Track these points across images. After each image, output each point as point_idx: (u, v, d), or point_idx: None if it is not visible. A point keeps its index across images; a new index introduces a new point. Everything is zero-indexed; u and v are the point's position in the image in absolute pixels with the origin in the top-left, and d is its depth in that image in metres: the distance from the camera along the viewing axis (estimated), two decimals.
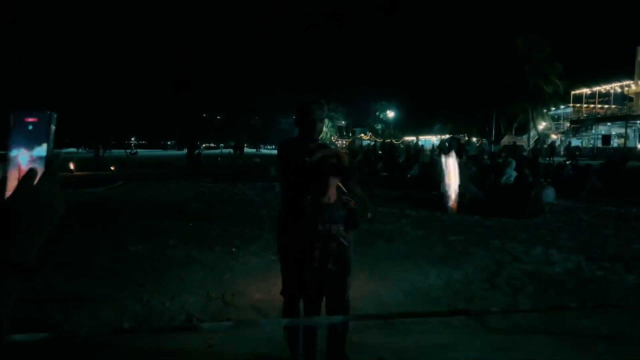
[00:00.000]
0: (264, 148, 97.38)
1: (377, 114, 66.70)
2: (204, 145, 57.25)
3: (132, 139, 66.32)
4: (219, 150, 53.75)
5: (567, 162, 17.18)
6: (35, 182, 0.88)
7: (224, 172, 22.22)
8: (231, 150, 43.93)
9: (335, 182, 3.09)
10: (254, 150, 79.47)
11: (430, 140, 54.61)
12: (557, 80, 44.93)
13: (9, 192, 0.90)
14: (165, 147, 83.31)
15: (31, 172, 0.89)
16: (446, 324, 4.29)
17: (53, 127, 0.95)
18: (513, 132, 47.09)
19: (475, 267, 6.07)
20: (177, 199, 12.78)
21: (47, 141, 0.93)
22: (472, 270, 5.93)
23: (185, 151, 36.39)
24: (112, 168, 24.23)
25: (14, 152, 0.93)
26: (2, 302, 0.85)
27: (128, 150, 44.64)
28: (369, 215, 3.22)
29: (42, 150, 0.93)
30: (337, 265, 3.05)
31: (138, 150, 59.15)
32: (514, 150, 21.68)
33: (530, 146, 35.86)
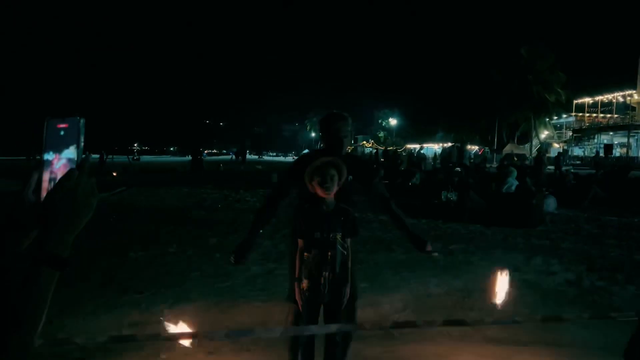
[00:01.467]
0: (267, 155, 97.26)
1: (380, 121, 66.78)
2: (206, 151, 57.28)
3: (135, 145, 66.49)
4: (229, 156, 53.47)
5: (600, 172, 17.14)
6: (72, 182, 0.97)
7: (226, 179, 22.24)
8: (233, 157, 43.93)
9: (334, 189, 3.06)
10: (257, 156, 79.44)
11: (433, 148, 54.52)
12: (559, 89, 44.92)
13: (43, 191, 1.00)
14: (168, 153, 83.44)
15: (70, 173, 0.97)
16: (445, 334, 4.28)
17: (82, 131, 1.01)
18: (515, 141, 47.02)
19: (475, 276, 6.05)
20: (179, 205, 12.79)
21: (77, 144, 1.00)
22: (472, 279, 5.91)
23: (187, 157, 36.41)
24: (114, 174, 24.24)
25: (47, 156, 1.02)
26: (47, 289, 0.93)
27: (131, 156, 44.69)
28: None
29: (72, 153, 1.00)
30: (334, 274, 3.02)
31: (140, 156, 59.14)
32: (522, 157, 21.53)
33: (533, 154, 35.81)
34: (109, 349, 3.77)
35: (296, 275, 3.06)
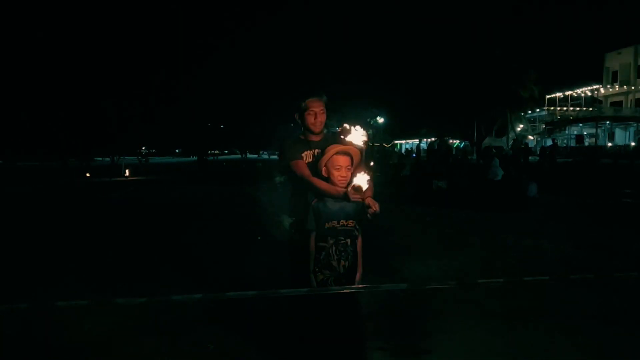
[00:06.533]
0: (264, 153, 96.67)
1: (368, 120, 66.77)
2: (209, 151, 56.96)
3: (143, 147, 65.98)
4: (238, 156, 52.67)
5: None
6: None
7: (230, 176, 22.13)
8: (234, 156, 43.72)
9: (348, 175, 2.89)
10: (256, 155, 79.11)
11: (414, 142, 54.70)
12: (533, 86, 44.99)
13: None
14: (172, 155, 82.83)
15: None
16: (448, 310, 4.20)
17: None
18: (493, 135, 47.07)
19: (471, 257, 5.99)
20: (190, 201, 12.67)
21: None
22: (469, 260, 5.84)
23: (191, 158, 36.24)
24: (126, 174, 24.07)
25: None
26: None
27: (142, 158, 44.28)
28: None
29: None
30: (349, 262, 2.82)
31: (148, 157, 58.71)
32: (499, 149, 21.55)
33: (509, 145, 35.91)
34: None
35: (311, 267, 2.81)
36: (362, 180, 2.67)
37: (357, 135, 2.88)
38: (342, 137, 2.97)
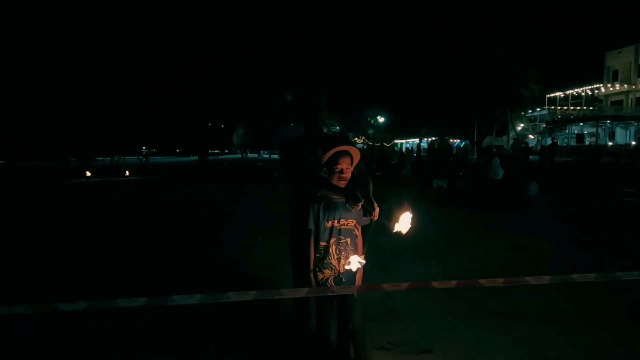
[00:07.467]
0: (264, 153, 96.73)
1: (369, 119, 66.65)
2: (209, 151, 56.90)
3: (144, 147, 66.01)
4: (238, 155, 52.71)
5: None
6: None
7: (231, 175, 22.14)
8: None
9: (348, 175, 2.89)
10: (256, 155, 79.07)
11: (415, 142, 54.77)
12: (533, 85, 44.96)
13: None
14: (174, 154, 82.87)
15: None
16: (449, 309, 4.20)
17: None
18: (493, 134, 47.06)
19: (471, 256, 5.98)
20: (191, 201, 12.66)
21: None
22: (469, 259, 5.84)
23: (191, 157, 36.28)
24: (127, 173, 24.06)
25: None
26: None
27: (142, 157, 44.29)
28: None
29: None
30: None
31: (149, 157, 58.63)
32: (500, 148, 21.59)
33: (510, 145, 35.87)
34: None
35: (311, 266, 2.83)
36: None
37: (405, 222, 2.82)
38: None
